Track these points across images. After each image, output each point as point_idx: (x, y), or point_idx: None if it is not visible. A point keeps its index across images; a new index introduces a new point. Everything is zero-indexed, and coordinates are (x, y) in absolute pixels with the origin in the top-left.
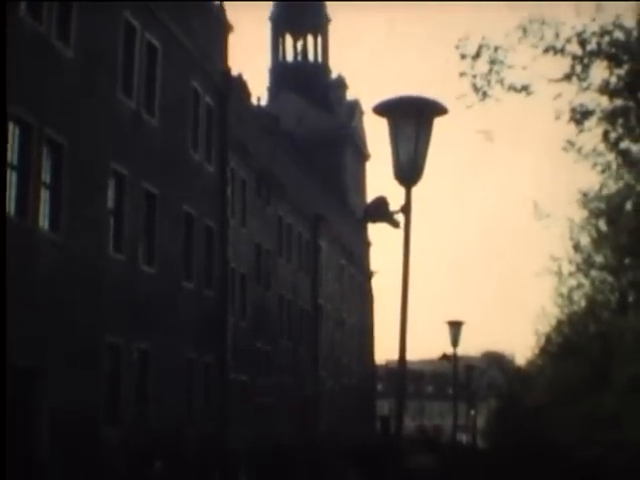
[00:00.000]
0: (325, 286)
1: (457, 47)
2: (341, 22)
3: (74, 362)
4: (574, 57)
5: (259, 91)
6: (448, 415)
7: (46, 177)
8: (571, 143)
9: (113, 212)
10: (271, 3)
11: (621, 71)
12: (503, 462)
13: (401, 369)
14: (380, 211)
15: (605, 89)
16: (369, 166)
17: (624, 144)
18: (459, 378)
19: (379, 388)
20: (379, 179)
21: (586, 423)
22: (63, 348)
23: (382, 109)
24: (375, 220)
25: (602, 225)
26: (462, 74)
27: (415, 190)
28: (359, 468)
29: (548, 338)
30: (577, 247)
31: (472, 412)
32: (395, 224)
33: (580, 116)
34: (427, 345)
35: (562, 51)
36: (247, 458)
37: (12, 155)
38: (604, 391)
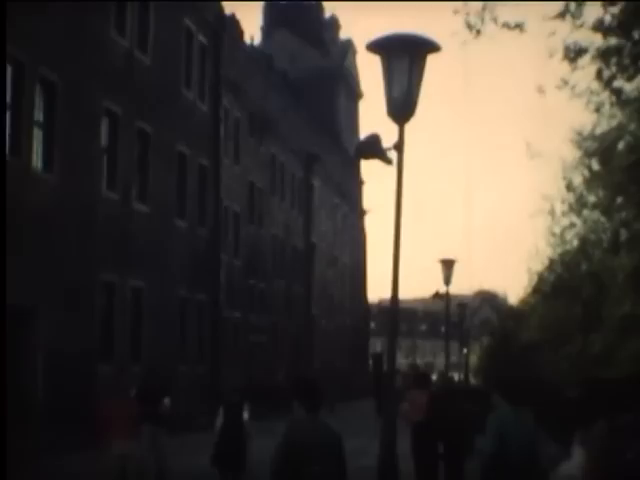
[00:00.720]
0: (318, 224)
1: None
2: None
3: (68, 301)
4: None
5: (252, 30)
6: (440, 353)
7: (39, 116)
8: (565, 81)
9: (106, 151)
10: None
11: (615, 9)
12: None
13: (393, 307)
14: (373, 148)
15: (599, 27)
16: (362, 105)
17: (617, 83)
18: (452, 317)
19: (372, 326)
20: (372, 118)
21: (577, 362)
22: (57, 287)
23: (375, 46)
24: (368, 157)
25: (595, 164)
26: (456, 12)
27: (408, 128)
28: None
29: (541, 277)
30: (570, 187)
31: (464, 350)
32: (388, 161)
33: (574, 54)
34: (420, 284)
35: None
36: (246, 395)
37: (6, 94)
38: (595, 330)
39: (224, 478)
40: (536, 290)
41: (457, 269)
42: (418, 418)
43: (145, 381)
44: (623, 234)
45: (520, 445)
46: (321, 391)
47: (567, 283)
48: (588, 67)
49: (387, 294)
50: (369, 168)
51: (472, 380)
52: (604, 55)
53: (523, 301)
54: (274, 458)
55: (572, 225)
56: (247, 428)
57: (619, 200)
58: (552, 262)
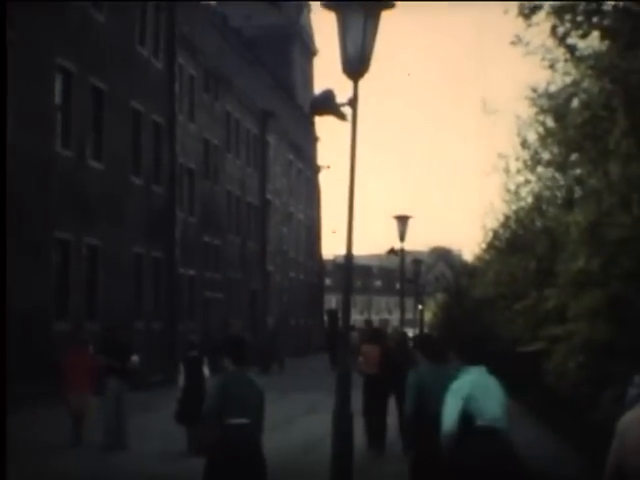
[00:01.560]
0: (273, 181)
1: None
2: None
3: (23, 258)
4: None
5: None
6: (395, 310)
7: None
8: (519, 38)
9: (60, 108)
10: None
11: None
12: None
13: (348, 263)
14: (327, 104)
15: None
16: (318, 63)
17: (571, 40)
18: (406, 273)
19: (327, 283)
20: (328, 75)
21: (531, 317)
22: (12, 244)
23: (330, 3)
24: (323, 113)
25: (549, 122)
26: None
27: (363, 84)
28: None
29: (495, 233)
30: (524, 144)
31: (419, 307)
32: (342, 117)
33: (528, 11)
34: (375, 240)
35: None
36: (205, 351)
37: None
38: (549, 286)
39: (190, 434)
40: (490, 246)
41: (412, 225)
42: (370, 371)
43: (111, 336)
44: (577, 191)
45: (440, 401)
46: (247, 347)
47: (521, 239)
48: (543, 24)
49: (342, 250)
50: (324, 124)
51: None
52: (558, 12)
53: (478, 257)
54: (207, 404)
55: (527, 182)
56: (208, 383)
57: (573, 157)
58: (507, 219)
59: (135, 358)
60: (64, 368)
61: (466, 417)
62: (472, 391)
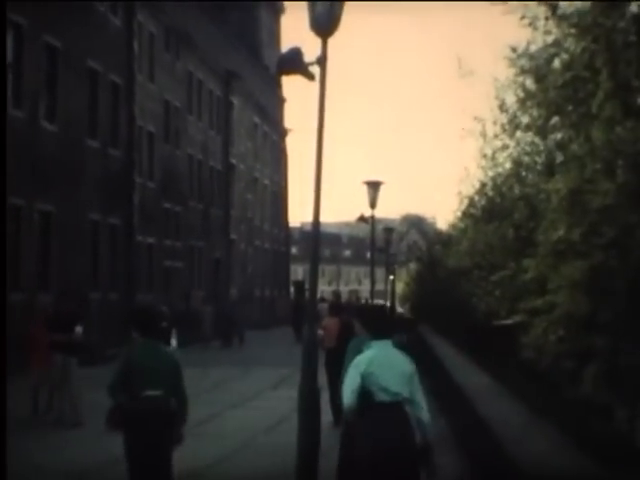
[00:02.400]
0: (237, 145)
1: None
2: None
3: None
4: None
5: None
6: (366, 280)
7: None
8: None
9: (12, 66)
10: None
11: None
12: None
13: (315, 231)
14: (295, 62)
15: None
16: (285, 22)
17: None
18: (377, 242)
19: (294, 252)
20: (295, 35)
21: (509, 289)
22: None
23: None
24: (289, 73)
25: (529, 83)
26: None
27: (332, 43)
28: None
29: (471, 201)
30: (502, 107)
31: (391, 277)
32: (310, 76)
33: None
34: (344, 207)
35: None
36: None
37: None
38: (528, 256)
39: None
40: (466, 214)
41: (383, 192)
42: (330, 345)
43: (55, 308)
44: (558, 156)
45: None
46: (155, 318)
47: (499, 207)
48: None
49: (309, 217)
50: (291, 85)
51: (399, 308)
52: None
53: (452, 226)
54: (112, 376)
55: (504, 147)
56: (177, 355)
57: (554, 121)
58: (483, 185)
59: (79, 329)
60: (26, 342)
61: (366, 393)
62: (372, 366)
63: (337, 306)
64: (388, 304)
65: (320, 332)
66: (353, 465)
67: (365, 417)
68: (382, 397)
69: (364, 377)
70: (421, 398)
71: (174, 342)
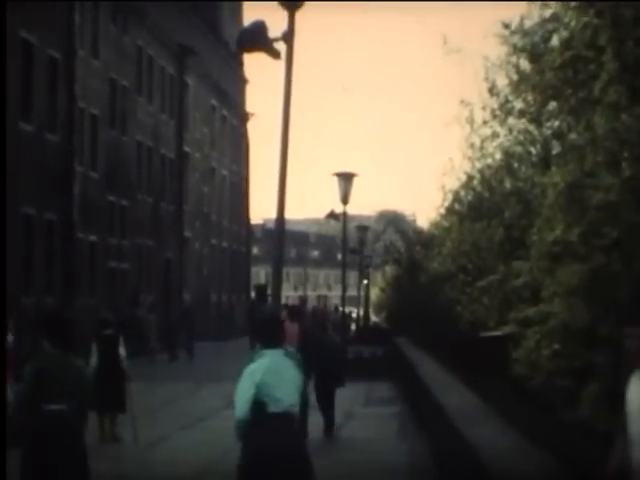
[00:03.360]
0: (192, 130)
1: None
2: None
3: None
4: None
5: None
6: (336, 285)
7: None
8: None
9: None
10: None
11: None
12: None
13: (280, 229)
14: (258, 38)
15: None
16: None
17: None
18: (350, 241)
19: (255, 252)
20: (259, 8)
21: (498, 296)
22: None
23: None
24: (252, 50)
25: (523, 64)
26: None
27: (300, 17)
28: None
29: (456, 196)
30: (493, 90)
31: (365, 282)
32: (275, 54)
33: None
34: (313, 202)
35: None
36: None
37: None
38: (520, 258)
39: (102, 422)
40: (450, 211)
41: (357, 185)
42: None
43: None
44: (555, 146)
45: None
46: (66, 326)
47: (488, 203)
48: None
49: (273, 214)
50: (254, 64)
51: (373, 317)
52: None
53: (435, 224)
54: (18, 390)
55: (495, 135)
56: (125, 365)
57: (551, 106)
58: (470, 178)
59: (10, 338)
60: None
61: (259, 403)
62: (265, 376)
63: (297, 310)
64: (361, 312)
65: None
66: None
67: (257, 428)
68: (275, 408)
69: (259, 387)
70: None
71: (122, 351)
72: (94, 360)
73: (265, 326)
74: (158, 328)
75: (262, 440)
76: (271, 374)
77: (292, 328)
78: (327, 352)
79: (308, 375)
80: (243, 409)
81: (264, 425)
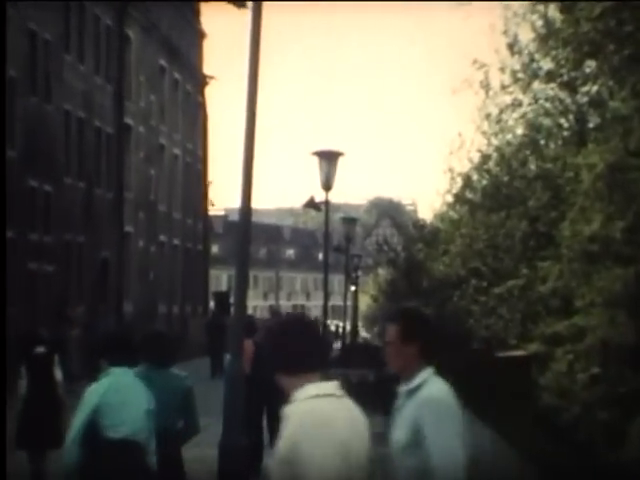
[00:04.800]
0: (136, 98)
1: None
2: None
3: None
4: None
5: None
6: (317, 292)
7: None
8: None
9: None
10: None
11: None
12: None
13: (245, 222)
14: None
15: None
16: None
17: None
18: (334, 237)
19: (214, 251)
20: None
21: (520, 306)
22: None
23: None
24: None
25: (553, 13)
26: None
27: None
28: None
29: (467, 180)
30: (514, 47)
31: (352, 288)
32: (240, 2)
33: None
34: (287, 189)
35: None
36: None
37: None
38: (548, 259)
39: (35, 462)
40: (460, 199)
41: (343, 168)
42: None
43: None
44: (592, 118)
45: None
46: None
47: (507, 189)
48: None
49: (237, 203)
50: (214, 12)
51: (363, 333)
52: None
53: (440, 215)
54: None
55: (516, 104)
56: (61, 392)
57: (587, 66)
58: (485, 158)
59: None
60: None
61: (96, 428)
62: (106, 398)
63: (251, 325)
64: (348, 326)
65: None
66: None
67: (91, 456)
68: (114, 433)
69: (96, 410)
70: (153, 441)
71: (59, 374)
72: (23, 385)
73: (110, 343)
74: (84, 348)
75: (95, 470)
76: (114, 394)
77: (247, 346)
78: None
79: (260, 405)
80: (75, 433)
81: (99, 453)
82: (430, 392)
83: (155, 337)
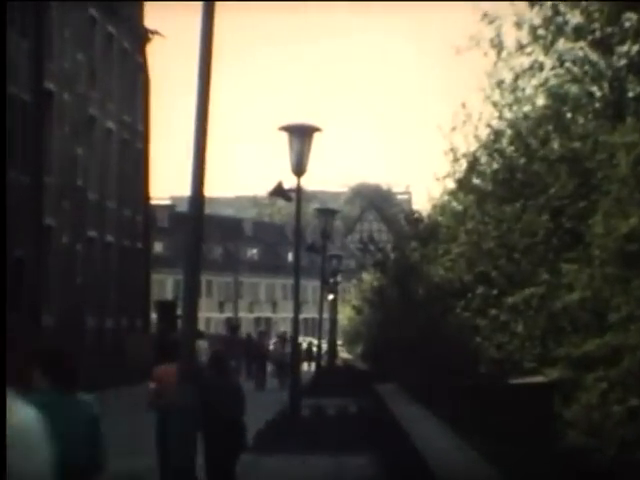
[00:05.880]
0: (58, 58)
1: None
2: None
3: None
4: None
5: None
6: (285, 302)
7: None
8: None
9: None
10: None
11: None
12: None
13: (196, 213)
14: None
15: None
16: None
17: None
18: (308, 233)
19: (158, 250)
20: None
21: (540, 320)
22: None
23: None
24: None
25: None
26: None
27: None
28: None
29: (474, 163)
30: None
31: (330, 297)
32: None
33: None
34: (250, 173)
35: None
36: None
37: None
38: (575, 261)
39: None
40: (465, 186)
41: (319, 147)
42: (165, 405)
43: None
44: (631, 85)
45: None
46: None
47: (524, 174)
48: None
49: (186, 190)
50: None
51: (344, 353)
52: None
53: (440, 207)
54: None
55: (536, 68)
56: None
57: (627, 19)
58: (496, 135)
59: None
60: None
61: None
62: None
63: (172, 345)
64: (324, 345)
65: (151, 385)
66: None
67: None
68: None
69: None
70: None
71: None
72: None
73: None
74: None
75: None
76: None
77: (170, 371)
78: (224, 404)
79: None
80: None
81: None
82: None
83: (53, 355)
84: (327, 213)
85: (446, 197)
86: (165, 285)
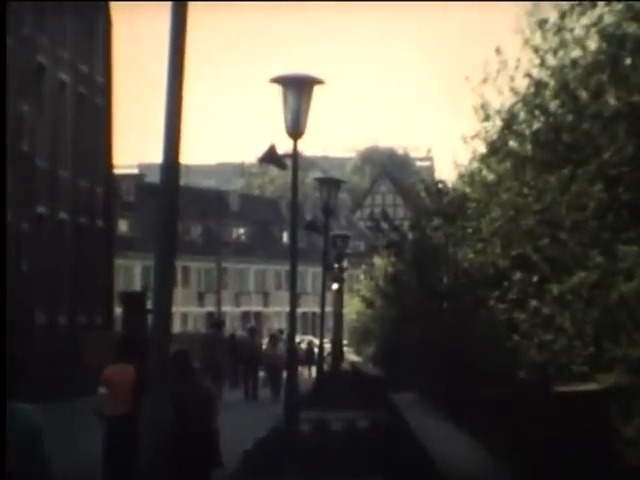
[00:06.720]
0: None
1: None
2: None
3: None
4: None
5: None
6: (280, 292)
7: None
8: None
9: None
10: None
11: None
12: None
13: (170, 185)
14: None
15: None
16: None
17: None
18: (307, 208)
19: (122, 229)
20: None
21: (590, 314)
22: None
23: None
24: None
25: None
26: None
27: None
28: None
29: (509, 121)
30: None
31: (334, 286)
32: None
33: None
34: (235, 136)
35: None
36: None
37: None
38: (634, 242)
39: None
40: (499, 150)
41: (320, 104)
42: (116, 411)
43: None
44: None
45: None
46: None
47: (572, 135)
48: None
49: (157, 157)
50: None
51: (351, 355)
52: None
53: (469, 175)
54: None
55: (587, 2)
56: None
57: None
58: (538, 86)
59: None
60: None
61: None
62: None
63: (130, 344)
64: (329, 344)
65: (102, 390)
66: None
67: None
68: None
69: None
70: None
71: None
72: None
73: None
74: None
75: None
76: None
77: (124, 373)
78: (188, 412)
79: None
80: None
81: None
82: None
83: None
84: (330, 184)
85: (475, 164)
86: (132, 272)
